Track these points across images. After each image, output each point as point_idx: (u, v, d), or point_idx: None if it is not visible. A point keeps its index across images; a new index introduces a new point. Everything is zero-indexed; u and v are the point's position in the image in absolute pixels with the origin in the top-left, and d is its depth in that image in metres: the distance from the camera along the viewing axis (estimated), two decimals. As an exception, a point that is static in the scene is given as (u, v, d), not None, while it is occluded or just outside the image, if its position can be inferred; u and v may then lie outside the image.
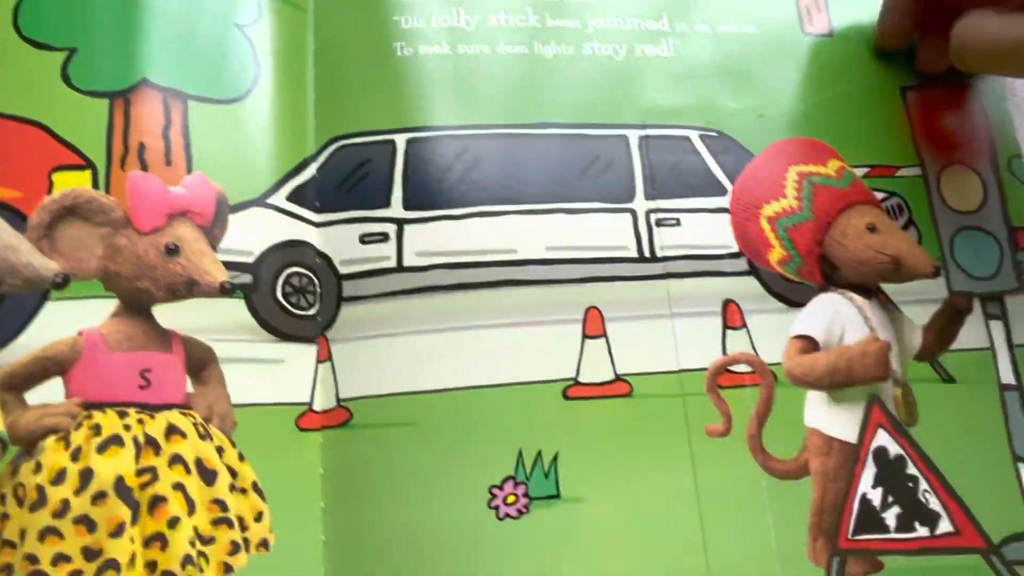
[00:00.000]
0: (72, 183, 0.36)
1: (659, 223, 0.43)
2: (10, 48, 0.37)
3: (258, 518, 0.35)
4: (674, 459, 0.39)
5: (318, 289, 0.40)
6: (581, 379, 0.40)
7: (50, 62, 0.37)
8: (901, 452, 0.41)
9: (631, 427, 0.39)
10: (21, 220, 0.34)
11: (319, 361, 0.39)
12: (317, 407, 0.38)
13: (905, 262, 0.41)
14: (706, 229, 0.43)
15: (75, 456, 0.32)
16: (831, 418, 0.40)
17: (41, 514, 0.32)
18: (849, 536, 0.39)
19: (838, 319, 0.40)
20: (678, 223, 0.43)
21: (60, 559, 0.31)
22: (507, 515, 0.37)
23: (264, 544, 0.35)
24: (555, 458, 0.38)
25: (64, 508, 0.32)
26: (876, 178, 0.46)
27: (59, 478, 0.32)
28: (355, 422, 0.38)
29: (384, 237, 0.41)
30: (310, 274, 0.40)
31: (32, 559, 0.31)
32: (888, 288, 0.43)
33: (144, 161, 0.37)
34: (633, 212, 0.42)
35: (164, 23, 0.39)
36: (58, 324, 0.34)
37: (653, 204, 0.43)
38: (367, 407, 0.38)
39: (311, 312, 0.39)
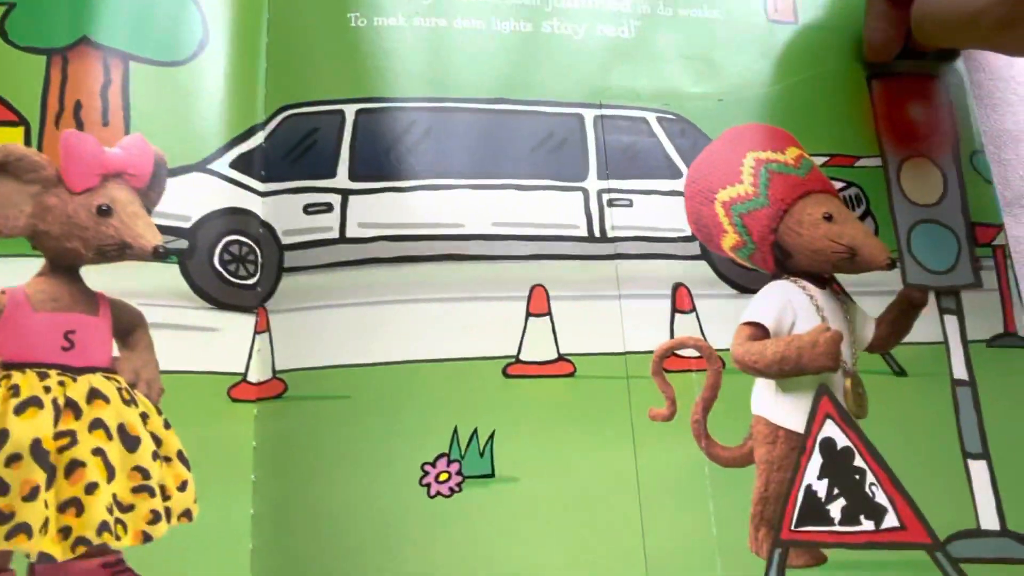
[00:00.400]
0: (3, 140, 0.35)
1: (611, 203, 0.42)
2: (-56, 1, 0.37)
3: (182, 487, 0.34)
4: (615, 442, 0.38)
5: (259, 259, 0.39)
6: (522, 357, 0.39)
7: (-14, 17, 0.37)
8: (849, 444, 0.41)
9: (572, 408, 0.38)
10: (-51, 175, 0.33)
11: (257, 332, 0.38)
12: (252, 378, 0.37)
13: (861, 253, 0.40)
14: (659, 211, 0.42)
15: (-9, 416, 0.32)
16: (778, 406, 0.39)
17: (-48, 474, 0.31)
18: (792, 527, 0.39)
19: (790, 307, 0.40)
20: (630, 204, 0.42)
21: (-31, 520, 0.30)
22: (439, 493, 0.36)
23: (187, 514, 0.34)
24: (491, 436, 0.37)
25: (-24, 469, 0.31)
26: (835, 167, 0.45)
27: (-28, 438, 0.31)
28: (290, 394, 0.37)
29: (328, 207, 0.40)
30: (251, 243, 0.39)
31: (-60, 520, 0.30)
32: (842, 278, 0.43)
33: (80, 120, 0.36)
34: (585, 191, 0.42)
35: (107, -20, 0.38)
36: (-20, 281, 0.33)
37: (606, 184, 0.42)
38: (303, 379, 0.38)
39: (251, 282, 0.39)
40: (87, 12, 0.37)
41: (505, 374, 0.38)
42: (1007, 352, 0.44)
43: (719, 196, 0.41)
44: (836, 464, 0.40)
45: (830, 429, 0.41)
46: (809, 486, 0.40)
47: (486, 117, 0.42)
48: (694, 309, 0.41)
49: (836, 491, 0.40)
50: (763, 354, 0.39)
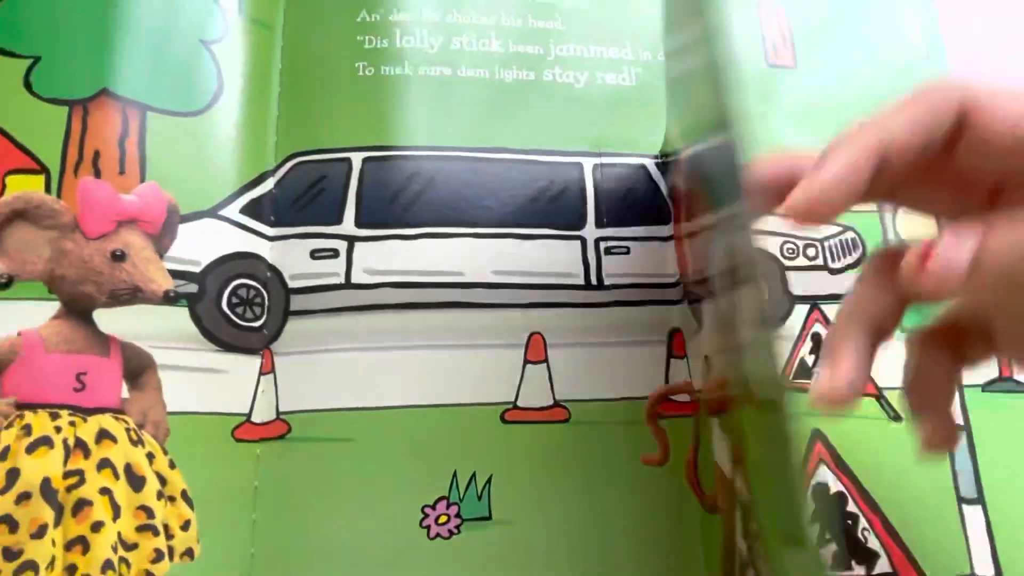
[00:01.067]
0: (24, 187, 0.37)
1: (608, 251, 0.43)
2: (-27, 54, 0.38)
3: (185, 527, 0.35)
4: (608, 486, 0.39)
5: (266, 302, 0.40)
6: (520, 403, 0.40)
7: (13, 68, 0.38)
8: (842, 489, 0.41)
9: (567, 453, 0.39)
10: (-30, 222, 0.35)
11: (262, 373, 0.39)
12: (256, 419, 0.38)
13: None
14: (656, 258, 0.43)
15: (3, 455, 0.33)
16: (721, 449, 0.40)
17: (-36, 512, 0.32)
18: (783, 571, 0.39)
19: None
20: (627, 251, 0.43)
21: (-21, 558, 0.32)
22: (438, 535, 0.37)
23: (189, 553, 0.35)
24: (488, 480, 0.38)
25: (-11, 507, 0.32)
26: None
27: (-14, 477, 0.32)
28: (293, 435, 0.38)
29: (335, 253, 0.41)
30: (259, 287, 0.40)
31: (-48, 557, 0.32)
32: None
33: (98, 168, 0.37)
34: (583, 239, 0.43)
35: (131, 36, 0.40)
36: (1, 323, 0.35)
37: (603, 232, 0.43)
38: (306, 421, 0.39)
39: (257, 324, 0.40)
40: (108, 64, 0.39)
41: (503, 420, 0.39)
42: (1002, 397, 0.44)
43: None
44: (828, 509, 0.40)
45: (823, 474, 0.41)
46: (802, 532, 0.40)
47: (488, 166, 0.43)
48: (687, 355, 0.42)
49: (827, 536, 0.40)
50: None
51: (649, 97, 0.47)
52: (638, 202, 0.44)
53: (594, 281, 0.42)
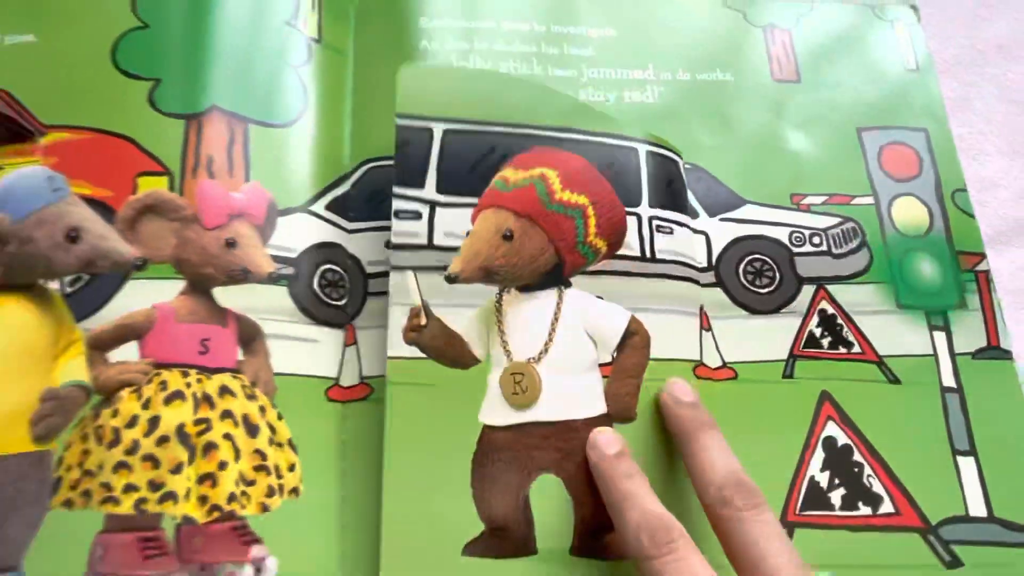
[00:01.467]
0: (152, 186, 0.44)
1: (658, 228, 0.48)
2: (108, 77, 0.46)
3: (291, 469, 0.42)
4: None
5: (348, 284, 0.47)
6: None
7: (139, 89, 0.46)
8: (848, 442, 0.47)
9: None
10: (111, 214, 0.42)
11: (347, 345, 0.46)
12: (344, 383, 0.45)
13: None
14: (691, 242, 0.49)
15: (145, 406, 0.39)
16: None
17: (116, 451, 0.39)
18: (796, 512, 0.45)
19: None
20: (671, 232, 0.49)
21: (129, 488, 0.38)
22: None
23: (295, 491, 0.42)
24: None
25: (134, 447, 0.39)
26: (834, 205, 0.52)
27: (132, 423, 0.39)
28: (374, 396, 0.45)
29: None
30: (342, 271, 0.47)
31: (107, 487, 0.38)
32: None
33: (211, 171, 0.45)
34: (639, 216, 0.48)
35: (231, 61, 0.47)
36: (136, 299, 0.42)
37: (653, 212, 0.49)
38: (383, 381, 0.45)
39: (341, 303, 0.47)
40: (216, 85, 0.46)
41: None
42: (990, 364, 0.50)
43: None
44: (837, 459, 0.46)
45: (832, 429, 0.47)
46: (812, 477, 0.46)
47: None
48: (711, 328, 0.48)
49: (837, 481, 0.46)
50: None
51: (671, 112, 0.54)
52: (675, 191, 0.50)
53: (647, 255, 0.47)
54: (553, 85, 0.53)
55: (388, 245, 0.48)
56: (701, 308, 0.48)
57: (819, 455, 0.46)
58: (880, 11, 0.59)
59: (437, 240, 0.45)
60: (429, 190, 0.46)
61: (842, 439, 0.47)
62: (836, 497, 0.45)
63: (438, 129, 0.47)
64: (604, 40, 0.56)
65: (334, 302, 0.46)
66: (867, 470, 0.46)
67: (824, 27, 0.58)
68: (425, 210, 0.46)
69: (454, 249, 0.43)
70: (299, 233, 0.46)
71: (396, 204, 0.45)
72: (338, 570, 0.41)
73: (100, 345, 0.41)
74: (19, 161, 0.43)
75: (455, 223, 0.45)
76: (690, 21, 0.57)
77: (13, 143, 0.44)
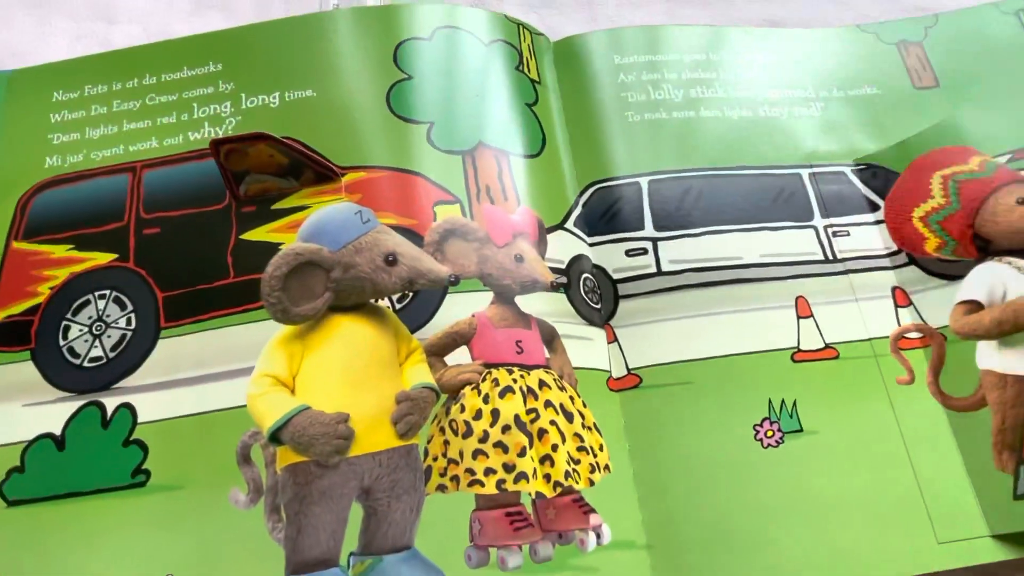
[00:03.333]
0: (448, 213, 0.50)
1: (835, 234, 0.57)
2: (387, 122, 0.52)
3: (601, 448, 0.48)
4: (876, 404, 0.52)
5: (598, 290, 0.54)
6: (802, 347, 0.53)
7: (418, 132, 0.52)
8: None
9: (841, 380, 0.52)
10: (418, 239, 0.48)
11: (608, 343, 0.52)
12: (615, 374, 0.51)
13: None
14: (869, 236, 0.58)
15: (485, 400, 0.45)
16: (1003, 358, 0.51)
17: (471, 441, 0.44)
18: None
19: (998, 281, 0.52)
20: (848, 234, 0.57)
21: (489, 471, 0.44)
22: (769, 445, 0.50)
23: (607, 468, 0.47)
24: (794, 403, 0.51)
25: (485, 436, 0.44)
26: (1020, 160, 0.58)
27: (477, 416, 0.45)
28: (644, 384, 0.51)
29: (644, 251, 0.55)
30: (594, 279, 0.54)
31: (471, 472, 0.44)
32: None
33: (491, 197, 0.51)
34: (815, 228, 0.57)
35: (490, 103, 0.54)
36: (457, 310, 0.47)
37: (827, 221, 0.57)
38: (652, 373, 0.52)
39: (598, 307, 0.53)
40: (480, 125, 0.53)
41: (792, 360, 0.53)
42: None
43: (915, 213, 0.56)
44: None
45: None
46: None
47: (736, 180, 0.58)
48: (911, 303, 0.56)
49: None
50: (980, 323, 0.51)
51: (830, 124, 0.62)
52: (846, 198, 0.58)
53: (830, 257, 0.56)
54: (736, 105, 0.61)
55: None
56: (893, 289, 0.56)
57: None
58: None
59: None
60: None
61: None
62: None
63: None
64: (769, 65, 0.64)
65: (594, 305, 0.53)
66: None
67: (946, 33, 0.67)
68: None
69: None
70: (563, 247, 0.53)
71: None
72: (643, 534, 0.47)
73: (435, 352, 0.46)
74: (324, 199, 0.49)
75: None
76: (835, 45, 0.66)
77: (318, 184, 0.50)
